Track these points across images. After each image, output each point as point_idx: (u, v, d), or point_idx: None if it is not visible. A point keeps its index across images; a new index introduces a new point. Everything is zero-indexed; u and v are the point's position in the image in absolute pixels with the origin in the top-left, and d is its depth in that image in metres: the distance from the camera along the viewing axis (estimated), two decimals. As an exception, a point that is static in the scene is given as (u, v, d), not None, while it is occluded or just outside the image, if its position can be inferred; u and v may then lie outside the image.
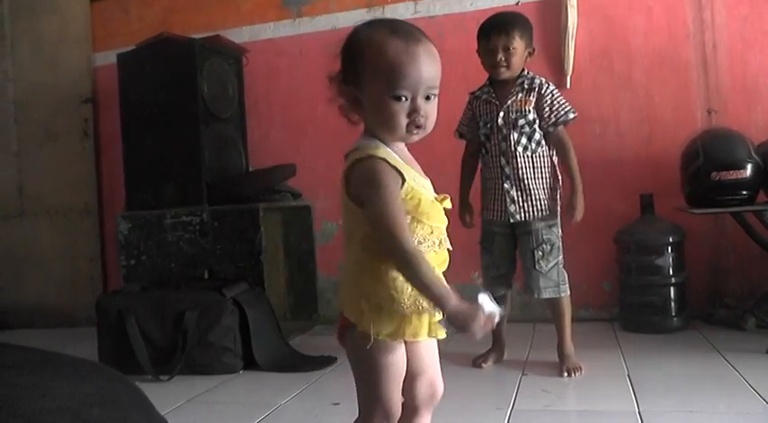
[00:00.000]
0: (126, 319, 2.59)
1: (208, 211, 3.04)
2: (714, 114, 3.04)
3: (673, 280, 2.80)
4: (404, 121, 1.12)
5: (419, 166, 1.21)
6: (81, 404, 0.72)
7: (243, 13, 3.66)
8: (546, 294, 2.33)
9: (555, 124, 2.35)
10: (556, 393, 2.07)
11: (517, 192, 2.35)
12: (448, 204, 1.20)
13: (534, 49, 2.41)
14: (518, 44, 2.33)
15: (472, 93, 2.53)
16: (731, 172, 2.58)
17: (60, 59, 3.92)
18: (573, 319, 2.40)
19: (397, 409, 1.19)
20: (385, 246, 1.11)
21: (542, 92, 2.36)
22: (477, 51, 2.44)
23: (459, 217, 2.44)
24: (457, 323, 1.06)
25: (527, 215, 2.34)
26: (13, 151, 3.99)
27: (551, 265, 2.32)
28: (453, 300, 1.06)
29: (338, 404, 2.07)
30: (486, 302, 1.05)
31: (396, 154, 1.15)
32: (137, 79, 3.26)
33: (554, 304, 2.37)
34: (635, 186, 3.01)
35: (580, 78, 3.15)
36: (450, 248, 1.20)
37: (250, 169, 3.43)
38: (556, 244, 2.34)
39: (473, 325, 1.04)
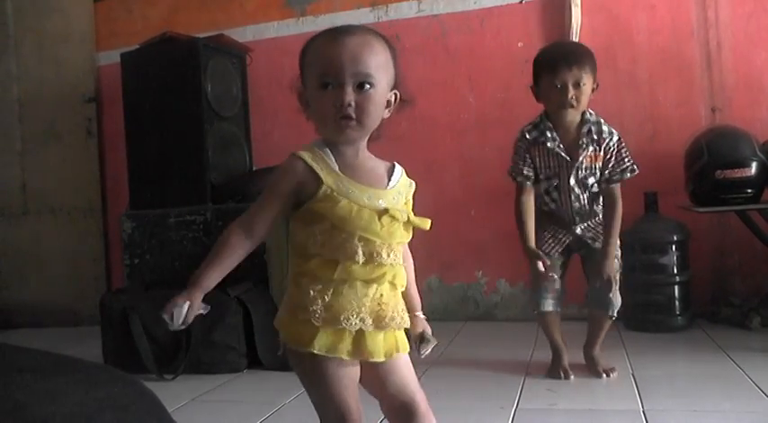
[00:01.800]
0: (130, 318, 2.59)
1: (212, 210, 3.04)
2: (718, 112, 3.03)
3: (677, 279, 2.80)
4: (330, 110, 1.10)
5: (380, 176, 1.17)
6: (93, 409, 0.72)
7: (247, 13, 3.67)
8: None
9: (609, 181, 2.19)
10: (560, 393, 2.07)
11: (585, 239, 2.26)
12: (416, 221, 1.15)
13: (598, 85, 2.18)
14: (588, 80, 2.12)
15: (526, 132, 2.23)
16: (735, 170, 2.57)
17: (64, 58, 3.92)
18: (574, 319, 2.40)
19: (352, 416, 1.12)
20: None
21: (610, 143, 2.16)
22: (535, 86, 2.21)
23: (534, 265, 2.14)
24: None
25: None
26: (17, 150, 3.99)
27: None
28: (191, 285, 1.12)
29: (342, 403, 2.07)
30: (176, 312, 1.09)
31: (338, 157, 1.14)
32: (140, 78, 3.25)
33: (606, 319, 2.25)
34: (639, 184, 2.99)
35: (584, 77, 3.14)
36: (401, 263, 1.16)
37: (254, 168, 3.42)
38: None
39: (166, 308, 1.09)
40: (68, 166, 3.91)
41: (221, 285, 2.86)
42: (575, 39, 3.10)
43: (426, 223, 1.16)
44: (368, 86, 1.10)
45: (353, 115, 1.10)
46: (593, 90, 2.15)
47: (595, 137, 2.16)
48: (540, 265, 2.11)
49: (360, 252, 1.10)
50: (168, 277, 3.04)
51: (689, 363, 2.34)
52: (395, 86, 1.17)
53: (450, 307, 3.33)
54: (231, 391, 2.35)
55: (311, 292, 1.10)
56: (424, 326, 1.25)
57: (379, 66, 1.11)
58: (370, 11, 3.44)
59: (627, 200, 3.00)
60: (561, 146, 2.18)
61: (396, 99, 1.17)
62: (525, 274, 2.43)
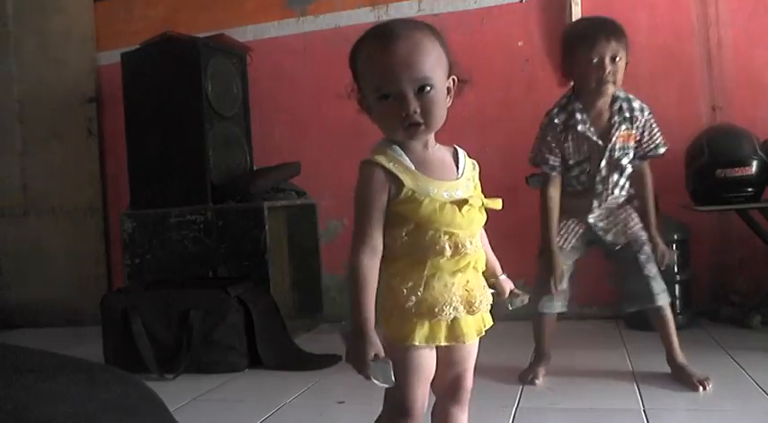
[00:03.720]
0: (131, 317, 2.59)
1: (212, 209, 3.04)
2: (719, 111, 3.03)
3: (678, 277, 2.79)
4: (396, 121, 1.11)
5: (450, 166, 1.20)
6: (96, 410, 0.72)
7: (247, 12, 3.66)
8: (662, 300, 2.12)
9: (643, 158, 2.11)
10: (561, 392, 2.07)
11: (596, 230, 2.15)
12: (488, 204, 1.18)
13: (628, 62, 2.05)
14: (623, 55, 1.99)
15: (554, 117, 2.09)
16: (736, 169, 2.57)
17: (64, 59, 3.92)
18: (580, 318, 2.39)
19: (419, 409, 1.18)
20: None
21: (642, 119, 2.07)
22: (564, 63, 2.09)
23: (544, 265, 2.11)
24: (347, 352, 1.10)
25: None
26: (18, 150, 4.00)
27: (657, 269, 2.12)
28: (362, 331, 1.08)
29: (343, 402, 2.07)
30: (381, 372, 1.06)
31: (409, 154, 1.15)
32: (141, 78, 3.26)
33: (665, 310, 2.14)
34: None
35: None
36: (482, 250, 1.20)
37: (254, 168, 3.42)
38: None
39: (355, 364, 1.08)
40: (69, 165, 3.91)
41: (222, 285, 2.87)
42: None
43: (498, 203, 1.19)
44: (428, 88, 1.10)
45: (420, 120, 1.11)
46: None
47: (627, 114, 2.05)
48: (553, 285, 2.09)
49: (447, 246, 1.13)
50: (169, 277, 3.05)
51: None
52: (450, 71, 1.16)
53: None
54: (232, 391, 2.35)
55: (404, 291, 1.13)
56: (509, 285, 1.33)
57: (433, 65, 1.11)
58: (371, 10, 3.44)
59: (627, 199, 3.02)
60: (592, 129, 2.05)
61: (454, 83, 1.17)
62: (527, 273, 2.41)
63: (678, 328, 2.75)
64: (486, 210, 1.19)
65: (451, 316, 1.14)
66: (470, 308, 1.16)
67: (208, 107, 3.13)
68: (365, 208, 1.13)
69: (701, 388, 1.98)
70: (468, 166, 1.22)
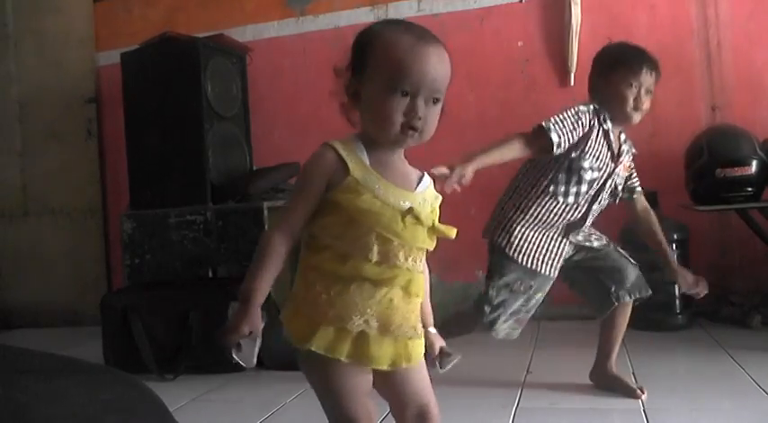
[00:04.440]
0: (131, 318, 2.59)
1: (212, 210, 3.04)
2: (718, 111, 3.03)
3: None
4: (399, 118, 1.06)
5: (409, 180, 1.14)
6: (96, 411, 0.72)
7: (246, 12, 3.67)
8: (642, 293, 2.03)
9: (634, 192, 2.09)
10: (561, 391, 2.07)
11: (579, 244, 2.05)
12: (441, 228, 1.10)
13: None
14: (653, 91, 1.97)
15: (598, 112, 1.97)
16: (736, 169, 2.57)
17: (64, 59, 3.92)
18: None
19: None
20: None
21: (633, 157, 2.07)
22: (597, 80, 2.03)
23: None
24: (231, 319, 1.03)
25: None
26: (17, 151, 3.99)
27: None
28: (247, 300, 1.03)
29: (343, 403, 2.07)
30: (245, 349, 1.01)
31: (371, 153, 1.10)
32: (140, 79, 3.25)
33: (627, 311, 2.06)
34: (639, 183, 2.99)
35: (584, 76, 3.10)
36: (420, 270, 1.12)
37: (254, 168, 3.42)
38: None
39: (224, 336, 1.02)
40: (69, 166, 3.91)
41: (221, 286, 2.87)
42: (575, 38, 3.10)
43: (452, 232, 1.11)
44: (437, 101, 1.09)
45: (419, 127, 1.07)
46: None
47: (630, 149, 2.05)
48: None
49: (375, 250, 1.06)
50: (169, 277, 3.05)
51: (689, 361, 2.34)
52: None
53: (450, 306, 3.31)
54: (232, 391, 2.35)
55: (316, 286, 1.08)
56: (440, 341, 1.22)
57: (447, 81, 1.10)
58: (370, 10, 3.44)
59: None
60: (612, 146, 1.98)
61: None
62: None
63: (678, 327, 2.77)
64: (437, 238, 1.12)
65: (359, 328, 1.06)
66: (386, 328, 1.07)
67: (207, 107, 3.13)
68: (301, 189, 1.10)
69: (644, 394, 1.93)
70: (430, 192, 1.17)
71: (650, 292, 2.05)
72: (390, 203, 1.07)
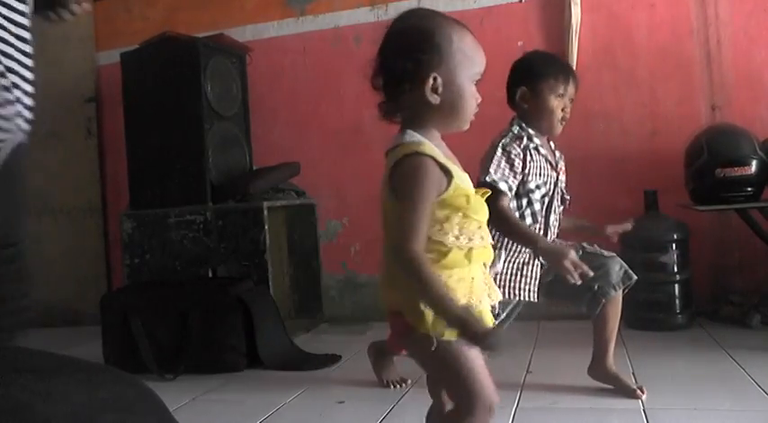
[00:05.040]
0: (130, 317, 2.59)
1: (212, 209, 3.04)
2: (718, 110, 3.03)
3: (677, 277, 2.79)
4: (473, 104, 1.21)
5: (457, 161, 1.21)
6: (95, 410, 0.72)
7: (246, 12, 3.66)
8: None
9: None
10: (561, 391, 2.07)
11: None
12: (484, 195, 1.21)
13: None
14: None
15: (522, 132, 2.00)
16: (736, 168, 2.57)
17: (63, 59, 3.92)
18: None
19: (494, 397, 1.14)
20: (393, 243, 1.10)
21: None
22: (520, 90, 2.02)
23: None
24: (471, 338, 1.04)
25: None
26: (17, 151, 3.99)
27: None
28: (470, 313, 1.05)
29: (343, 402, 2.06)
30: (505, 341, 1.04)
31: (437, 149, 1.16)
32: (140, 78, 3.25)
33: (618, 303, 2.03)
34: (639, 183, 3.00)
35: (584, 74, 3.11)
36: (492, 242, 1.21)
37: (254, 168, 3.42)
38: None
39: (490, 344, 1.02)
40: (68, 166, 3.91)
41: (221, 285, 2.87)
42: (574, 37, 3.10)
43: (485, 194, 1.22)
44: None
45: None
46: None
47: (559, 152, 2.10)
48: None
49: (481, 235, 1.15)
50: (169, 277, 3.05)
51: (689, 361, 2.34)
52: None
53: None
54: (231, 391, 2.35)
55: (454, 286, 1.12)
56: None
57: None
58: (370, 10, 3.44)
59: (627, 198, 3.02)
60: (548, 156, 2.03)
61: None
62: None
63: (678, 327, 2.77)
64: None
65: (488, 306, 1.16)
66: (484, 304, 1.16)
67: (207, 107, 3.13)
68: (420, 202, 1.10)
69: (644, 394, 1.93)
70: None
71: (635, 276, 2.03)
72: (469, 188, 1.16)
